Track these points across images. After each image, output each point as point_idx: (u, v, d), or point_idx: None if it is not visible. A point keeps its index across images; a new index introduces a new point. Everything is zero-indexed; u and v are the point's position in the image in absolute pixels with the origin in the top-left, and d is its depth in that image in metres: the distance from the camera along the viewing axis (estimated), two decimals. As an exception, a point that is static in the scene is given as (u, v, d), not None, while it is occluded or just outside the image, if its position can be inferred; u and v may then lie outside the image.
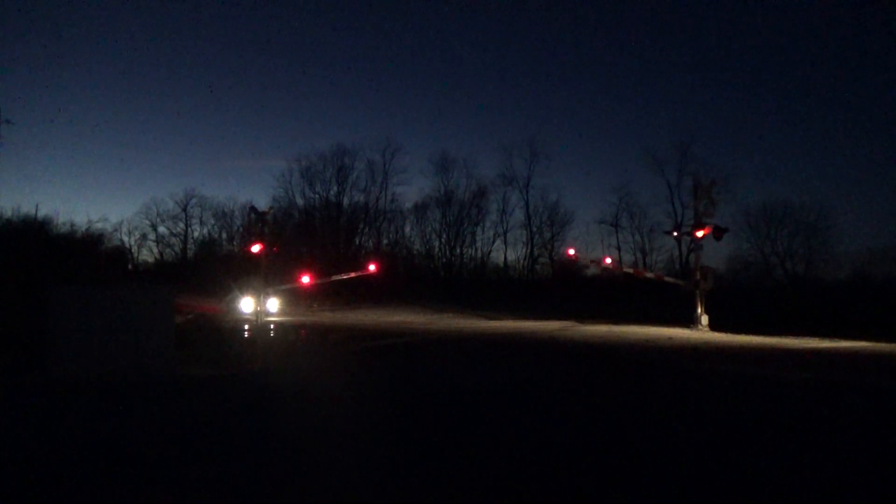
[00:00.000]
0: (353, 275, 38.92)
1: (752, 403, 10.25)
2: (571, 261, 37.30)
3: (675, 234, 37.14)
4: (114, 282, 30.57)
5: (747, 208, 57.90)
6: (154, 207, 65.75)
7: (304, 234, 61.16)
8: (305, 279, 35.00)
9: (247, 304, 33.36)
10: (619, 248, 62.07)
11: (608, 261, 38.34)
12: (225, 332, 22.60)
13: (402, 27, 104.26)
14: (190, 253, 66.26)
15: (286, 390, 11.16)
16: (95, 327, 12.00)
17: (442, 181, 65.61)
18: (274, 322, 29.07)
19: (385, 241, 65.16)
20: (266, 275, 33.14)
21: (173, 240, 66.85)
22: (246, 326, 26.11)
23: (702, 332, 27.13)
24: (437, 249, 66.26)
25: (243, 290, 33.74)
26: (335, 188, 64.09)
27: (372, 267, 39.23)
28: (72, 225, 53.83)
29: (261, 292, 34.76)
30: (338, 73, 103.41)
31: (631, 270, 37.97)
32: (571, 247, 37.33)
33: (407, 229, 66.39)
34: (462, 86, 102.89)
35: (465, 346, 19.78)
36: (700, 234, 29.63)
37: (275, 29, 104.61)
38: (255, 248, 33.36)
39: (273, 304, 36.09)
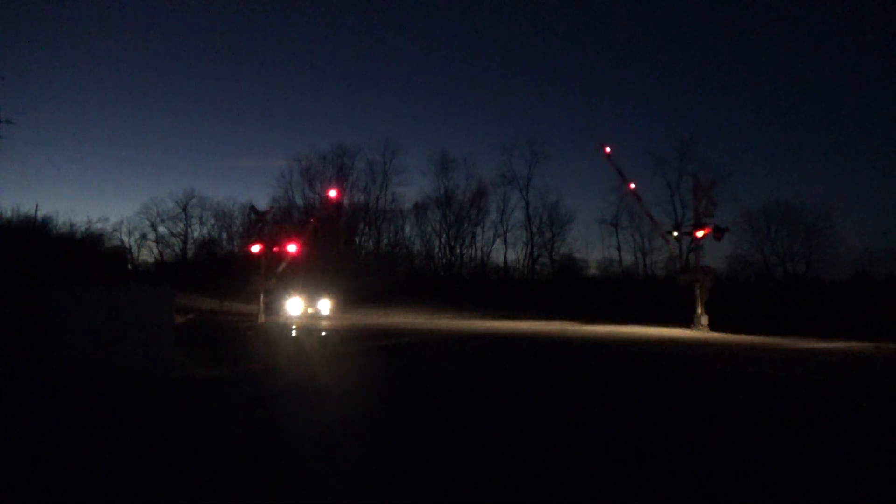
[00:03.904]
0: (327, 210, 39.07)
1: (751, 404, 10.24)
2: (606, 158, 32.04)
3: (676, 234, 37.13)
4: (114, 282, 30.33)
5: (747, 208, 58.00)
6: (154, 207, 65.77)
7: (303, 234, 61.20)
8: (292, 248, 32.76)
9: (295, 306, 29.91)
10: (619, 248, 62.24)
11: (632, 186, 36.61)
12: (227, 332, 22.45)
13: (402, 27, 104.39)
14: (190, 253, 66.27)
15: (287, 391, 11.16)
16: (95, 328, 11.99)
17: (442, 181, 65.66)
18: (326, 325, 25.60)
19: (385, 241, 65.23)
20: (267, 274, 32.36)
21: (173, 240, 66.87)
22: (293, 329, 23.01)
23: (702, 332, 27.14)
24: (437, 249, 66.30)
25: (290, 289, 30.68)
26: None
27: (332, 193, 39.09)
28: (72, 225, 53.86)
29: (313, 292, 31.58)
30: (338, 73, 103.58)
31: (650, 217, 35.99)
32: (607, 145, 32.09)
33: (407, 229, 66.43)
34: (462, 86, 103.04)
35: (466, 346, 19.78)
36: (700, 234, 29.65)
37: (275, 29, 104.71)
38: (255, 248, 32.92)
39: (325, 305, 32.32)
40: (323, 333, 22.70)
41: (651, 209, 39.35)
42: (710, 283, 29.25)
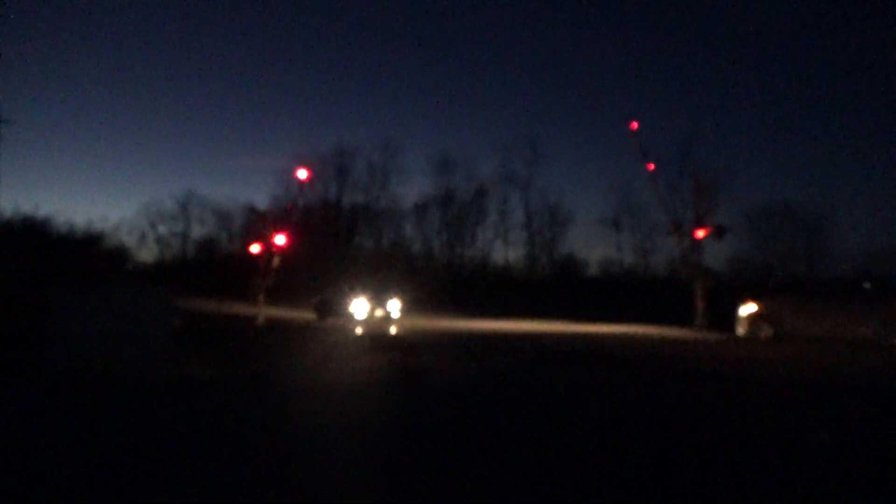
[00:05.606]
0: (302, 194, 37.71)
1: (748, 404, 10.22)
2: (632, 133, 30.89)
3: (677, 234, 37.13)
4: (113, 282, 30.22)
5: (747, 208, 57.94)
6: (154, 207, 65.85)
7: (302, 234, 61.09)
8: (281, 239, 29.51)
9: (359, 308, 26.69)
10: (619, 248, 62.25)
11: (652, 167, 36.14)
12: (228, 331, 22.42)
13: (402, 27, 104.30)
14: (190, 253, 66.31)
15: (287, 390, 11.14)
16: (94, 328, 11.96)
17: (442, 181, 65.62)
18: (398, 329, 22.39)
19: (385, 241, 65.22)
20: (266, 273, 31.71)
21: (173, 240, 66.91)
22: (356, 331, 20.84)
23: (702, 332, 27.11)
24: (437, 249, 66.29)
25: (352, 288, 27.70)
26: (335, 188, 64.08)
27: (301, 173, 36.44)
28: (71, 225, 53.98)
29: (379, 291, 27.75)
30: (338, 73, 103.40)
31: (662, 204, 35.56)
32: (635, 120, 30.78)
33: (407, 229, 66.46)
34: (462, 85, 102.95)
35: (464, 347, 19.78)
36: (700, 234, 29.65)
37: (274, 28, 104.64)
38: (255, 248, 32.45)
39: (394, 307, 28.84)
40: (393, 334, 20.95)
41: (651, 209, 39.35)
42: (710, 284, 29.26)
